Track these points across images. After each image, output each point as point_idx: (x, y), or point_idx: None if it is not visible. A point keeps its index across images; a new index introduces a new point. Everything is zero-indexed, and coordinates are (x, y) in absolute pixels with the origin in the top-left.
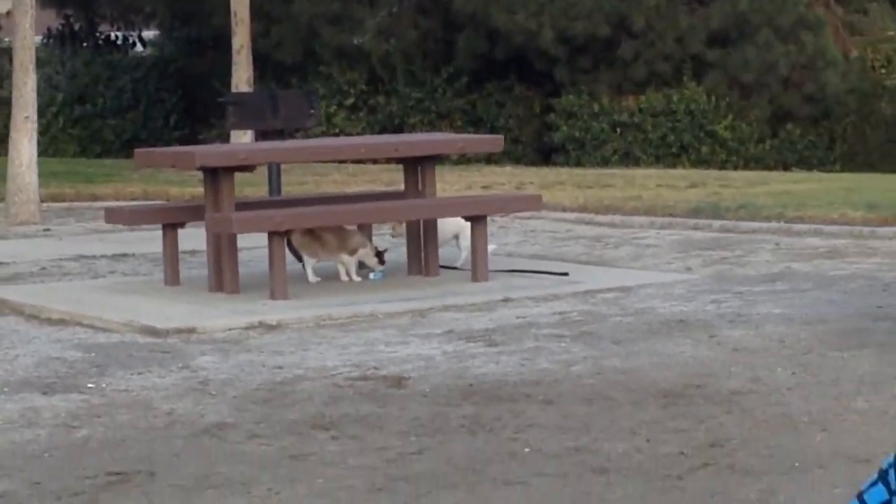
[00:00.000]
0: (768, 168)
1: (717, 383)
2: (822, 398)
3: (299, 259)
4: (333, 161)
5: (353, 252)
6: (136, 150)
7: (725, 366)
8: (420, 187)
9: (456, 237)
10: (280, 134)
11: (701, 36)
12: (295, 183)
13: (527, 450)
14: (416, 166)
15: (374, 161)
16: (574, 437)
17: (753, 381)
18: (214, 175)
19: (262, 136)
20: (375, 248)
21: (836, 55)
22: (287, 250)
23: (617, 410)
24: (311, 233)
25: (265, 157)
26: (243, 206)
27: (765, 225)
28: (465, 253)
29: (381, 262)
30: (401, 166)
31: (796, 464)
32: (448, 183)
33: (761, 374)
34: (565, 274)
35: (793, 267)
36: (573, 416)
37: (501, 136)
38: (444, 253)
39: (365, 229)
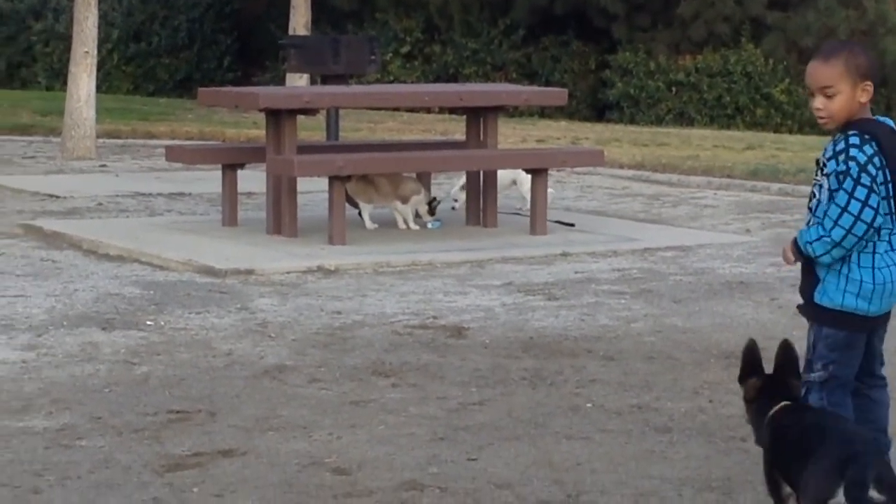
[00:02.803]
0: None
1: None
2: (887, 364)
3: (354, 205)
4: (395, 108)
5: (405, 200)
6: (201, 90)
7: (787, 329)
8: (482, 138)
9: (514, 183)
10: (340, 79)
11: None
12: (350, 129)
13: (589, 405)
14: (479, 117)
15: (429, 110)
16: (636, 395)
17: None
18: (277, 117)
19: (322, 80)
20: (430, 197)
21: None
22: None
23: (679, 370)
24: (366, 178)
25: (329, 101)
26: (304, 149)
27: None
28: (528, 197)
29: (431, 212)
30: (455, 117)
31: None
32: (503, 135)
33: None
34: (572, 225)
35: None
36: (635, 373)
37: (566, 90)
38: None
39: (423, 178)
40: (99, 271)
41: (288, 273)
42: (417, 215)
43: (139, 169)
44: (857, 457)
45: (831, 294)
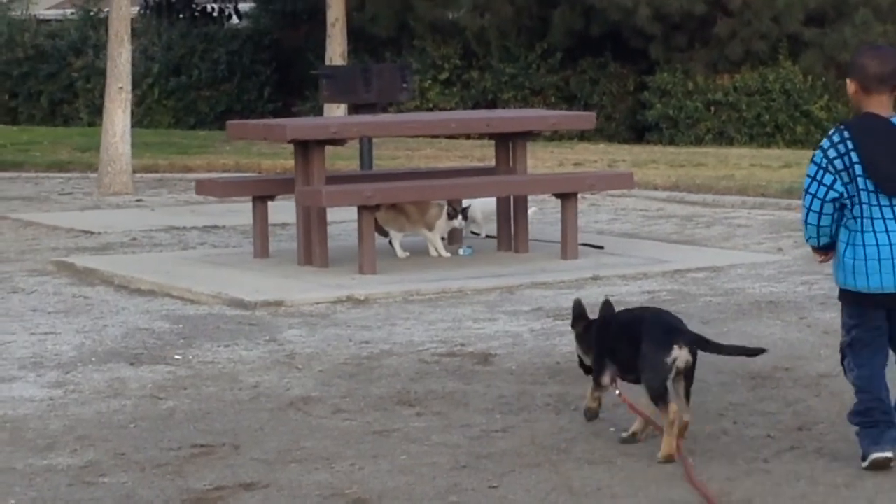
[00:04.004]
0: None
1: (806, 366)
2: None
3: (384, 234)
4: (425, 136)
5: (431, 227)
6: (229, 123)
7: (815, 348)
8: (511, 163)
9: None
10: (373, 107)
11: (798, 15)
12: (387, 157)
13: (612, 429)
14: (508, 142)
15: (468, 136)
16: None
17: None
18: (305, 148)
19: (354, 109)
20: (451, 207)
21: None
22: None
23: (705, 392)
24: (395, 207)
25: (356, 131)
26: (334, 179)
27: None
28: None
29: (452, 216)
30: (493, 142)
31: None
32: (540, 159)
33: None
34: (600, 247)
35: None
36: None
37: (594, 114)
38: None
39: (453, 206)
40: (130, 306)
41: (317, 304)
42: (451, 242)
43: (175, 203)
44: (680, 326)
45: (834, 273)
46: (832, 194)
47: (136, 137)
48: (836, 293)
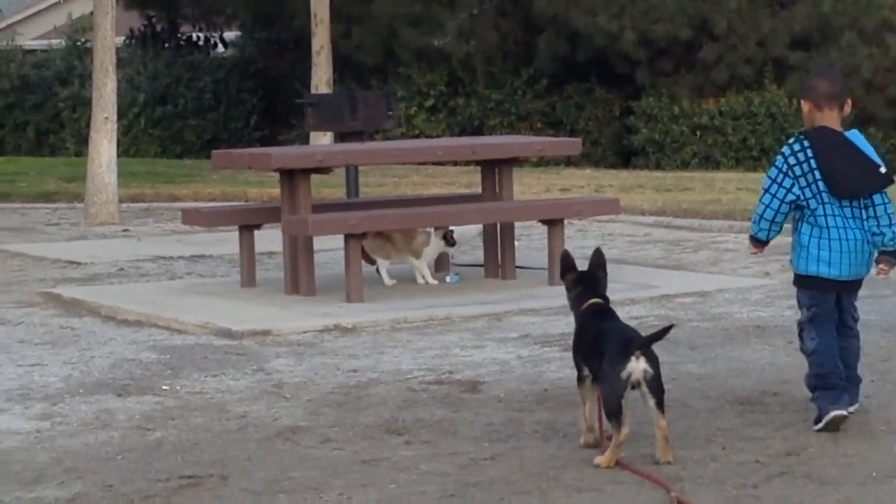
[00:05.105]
0: None
1: (794, 391)
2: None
3: (371, 262)
4: (411, 163)
5: (417, 254)
6: (214, 152)
7: (803, 373)
8: (497, 190)
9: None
10: (358, 135)
11: (783, 39)
12: (374, 184)
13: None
14: (494, 169)
15: (455, 163)
16: (649, 444)
17: None
18: (291, 177)
19: (340, 137)
20: (443, 232)
21: None
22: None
23: (693, 417)
24: (382, 235)
25: (342, 159)
26: (320, 208)
27: None
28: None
29: (449, 242)
30: (480, 168)
31: (874, 473)
32: (526, 185)
33: None
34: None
35: (873, 273)
36: (648, 422)
37: (579, 140)
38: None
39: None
40: (117, 337)
41: (305, 333)
42: (438, 269)
43: (161, 232)
44: (634, 339)
45: (793, 262)
46: (790, 196)
47: (122, 167)
48: None
